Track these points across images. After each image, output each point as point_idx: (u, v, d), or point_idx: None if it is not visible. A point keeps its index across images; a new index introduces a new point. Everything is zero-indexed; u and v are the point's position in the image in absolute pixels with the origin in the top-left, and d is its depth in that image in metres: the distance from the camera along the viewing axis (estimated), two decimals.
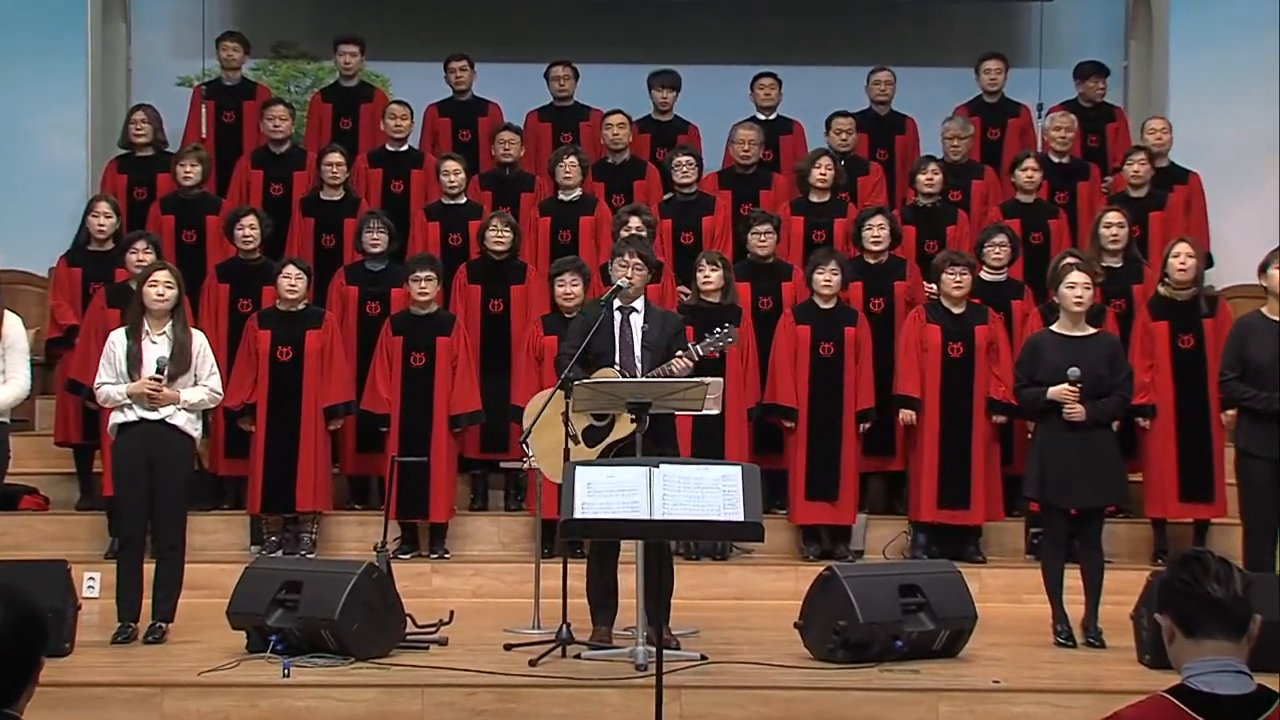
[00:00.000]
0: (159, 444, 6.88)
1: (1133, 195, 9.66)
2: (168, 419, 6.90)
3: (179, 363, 6.92)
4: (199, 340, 7.08)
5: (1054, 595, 7.03)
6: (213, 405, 7.17)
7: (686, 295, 8.90)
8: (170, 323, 6.99)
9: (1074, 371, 6.90)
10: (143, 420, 6.89)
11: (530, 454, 6.95)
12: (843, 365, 8.65)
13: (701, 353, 6.86)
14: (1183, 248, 8.37)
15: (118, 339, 7.01)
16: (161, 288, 6.97)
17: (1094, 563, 7.05)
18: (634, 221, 8.73)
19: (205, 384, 7.01)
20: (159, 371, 6.84)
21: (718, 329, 6.98)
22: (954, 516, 8.55)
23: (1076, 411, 6.91)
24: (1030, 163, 9.60)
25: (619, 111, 10.13)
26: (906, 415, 8.62)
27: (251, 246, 9.06)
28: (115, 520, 7.23)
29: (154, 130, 10.00)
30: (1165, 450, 8.50)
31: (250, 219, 9.05)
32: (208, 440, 8.91)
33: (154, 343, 6.94)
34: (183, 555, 7.00)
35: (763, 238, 9.04)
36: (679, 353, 6.79)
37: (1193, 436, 8.48)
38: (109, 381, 6.95)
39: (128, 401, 6.88)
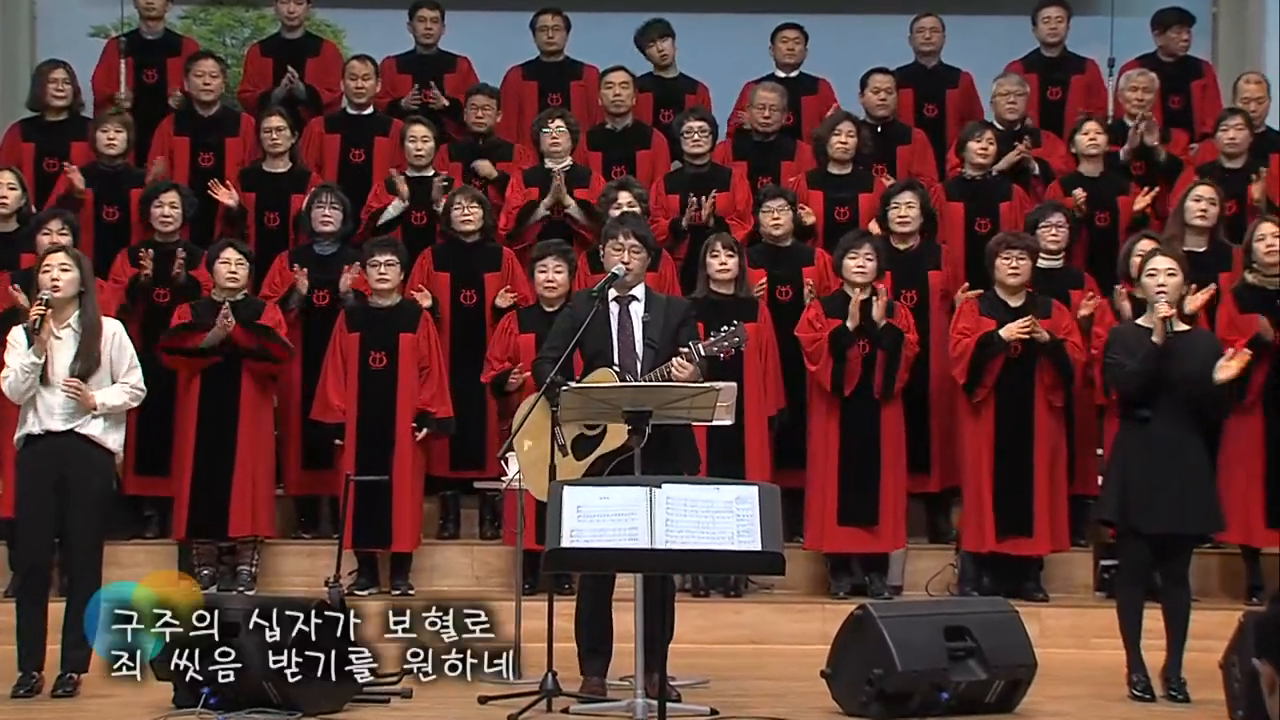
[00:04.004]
0: (69, 460, 6.81)
1: (1226, 166, 9.60)
2: (77, 429, 6.81)
3: (87, 359, 6.82)
4: (110, 329, 6.96)
5: (1130, 639, 6.99)
6: (135, 405, 7.09)
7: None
8: (76, 313, 6.89)
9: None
10: (49, 433, 6.81)
11: (509, 469, 6.88)
12: (878, 364, 8.57)
13: (705, 353, 6.69)
14: (1269, 228, 8.39)
15: (18, 339, 6.90)
16: (57, 271, 6.86)
17: (1179, 601, 7.01)
18: (623, 197, 8.70)
19: (124, 381, 6.92)
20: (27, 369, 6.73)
21: (724, 326, 6.78)
22: (1016, 546, 8.50)
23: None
24: (1091, 126, 9.56)
25: (620, 69, 10.07)
26: None
27: (171, 228, 9.03)
28: (16, 550, 7.20)
29: (73, 92, 9.97)
30: (1251, 465, 8.44)
31: (171, 195, 9.03)
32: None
33: (58, 338, 6.84)
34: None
35: (776, 215, 9.01)
36: (682, 350, 6.66)
37: None
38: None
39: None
